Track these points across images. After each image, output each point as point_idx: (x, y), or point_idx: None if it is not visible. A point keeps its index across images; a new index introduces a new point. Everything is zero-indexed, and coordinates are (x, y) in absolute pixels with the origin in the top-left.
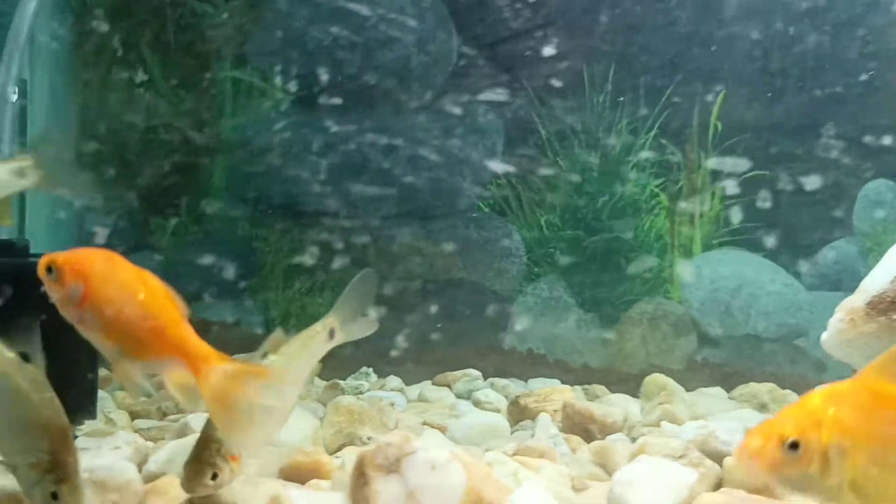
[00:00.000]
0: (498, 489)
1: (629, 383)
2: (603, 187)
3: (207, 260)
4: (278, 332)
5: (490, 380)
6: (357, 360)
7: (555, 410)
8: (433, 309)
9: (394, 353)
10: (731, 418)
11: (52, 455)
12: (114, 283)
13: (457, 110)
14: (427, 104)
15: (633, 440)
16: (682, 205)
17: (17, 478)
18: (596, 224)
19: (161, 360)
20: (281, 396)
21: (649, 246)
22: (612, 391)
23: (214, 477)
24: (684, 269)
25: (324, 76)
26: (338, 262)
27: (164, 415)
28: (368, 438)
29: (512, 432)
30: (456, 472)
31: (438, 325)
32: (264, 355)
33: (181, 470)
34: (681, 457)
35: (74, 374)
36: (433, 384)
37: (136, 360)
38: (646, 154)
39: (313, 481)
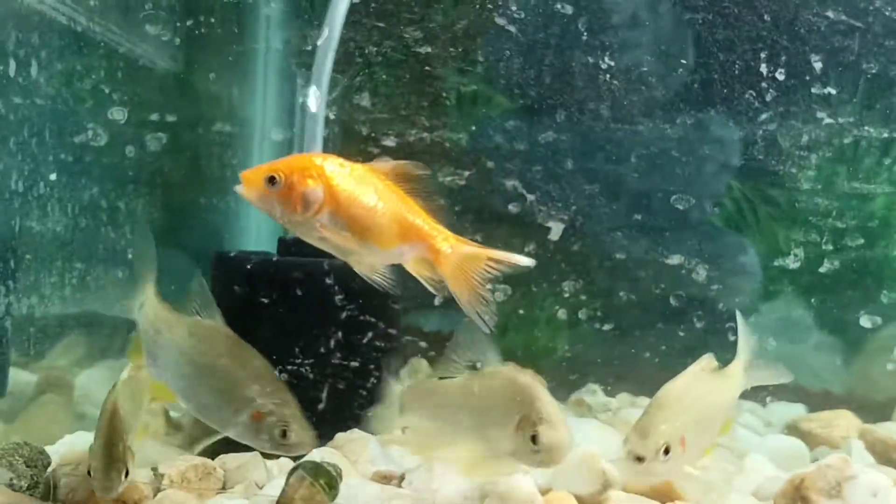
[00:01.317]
0: None
1: (875, 411)
2: (849, 202)
3: None
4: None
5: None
6: (580, 376)
7: (842, 437)
8: (660, 325)
9: (620, 370)
10: None
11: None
12: (352, 177)
13: (692, 120)
14: (662, 113)
15: None
16: None
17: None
18: (841, 241)
19: (401, 249)
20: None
21: None
22: (862, 419)
23: None
24: None
25: (549, 84)
26: (561, 274)
27: None
28: None
29: (812, 459)
30: None
31: (667, 342)
32: None
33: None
34: None
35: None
36: None
37: (379, 251)
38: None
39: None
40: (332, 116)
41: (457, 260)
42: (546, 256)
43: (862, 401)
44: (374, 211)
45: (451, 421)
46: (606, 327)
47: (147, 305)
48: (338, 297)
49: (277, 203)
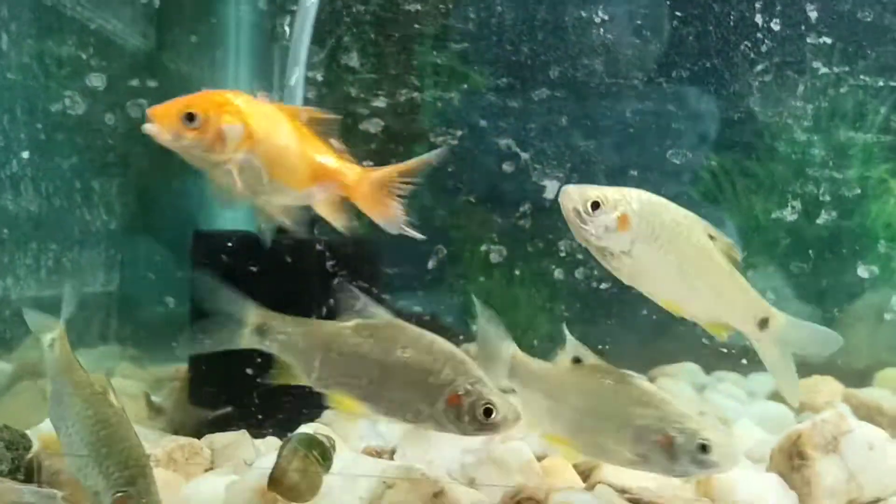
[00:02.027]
0: None
1: (854, 379)
2: (824, 173)
3: (403, 250)
4: None
5: (715, 374)
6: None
7: (826, 402)
8: (640, 302)
9: (600, 345)
10: None
11: None
12: (266, 116)
13: (667, 94)
14: (636, 88)
15: None
16: None
17: None
18: (816, 211)
19: (312, 189)
20: None
21: (876, 235)
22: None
23: None
24: None
25: (529, 59)
26: (540, 254)
27: None
28: None
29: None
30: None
31: (645, 319)
32: None
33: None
34: None
35: None
36: (648, 378)
37: (290, 192)
38: (873, 136)
39: None
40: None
41: (368, 187)
42: (521, 235)
43: (841, 369)
44: (288, 151)
45: (564, 409)
46: (586, 305)
47: (291, 327)
48: (325, 271)
49: (193, 141)
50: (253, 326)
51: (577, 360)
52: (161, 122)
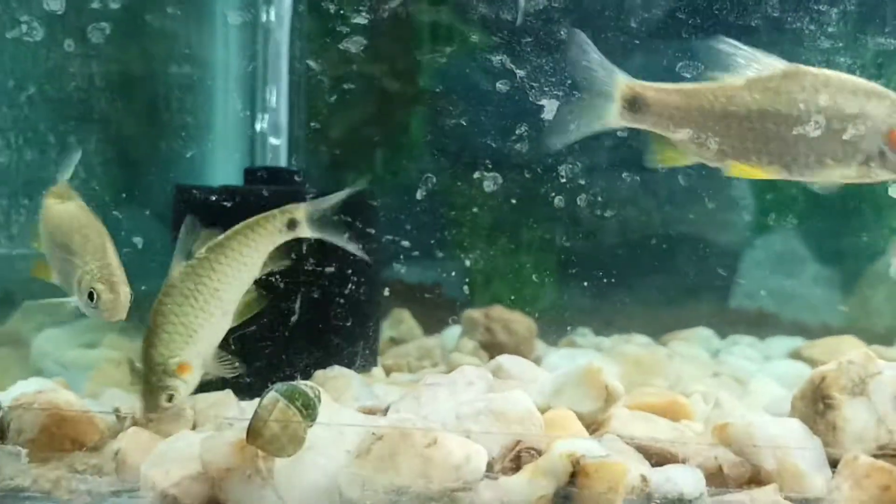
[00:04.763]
0: None
1: (875, 342)
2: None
3: (404, 216)
4: None
5: (730, 338)
6: (569, 322)
7: (850, 362)
8: (649, 265)
9: (610, 313)
10: None
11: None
12: None
13: (675, 50)
14: (645, 44)
15: None
16: None
17: None
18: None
19: None
20: None
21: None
22: None
23: None
24: None
25: (530, 17)
26: (545, 218)
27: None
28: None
29: None
30: None
31: (658, 283)
32: None
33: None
34: None
35: (364, 331)
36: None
37: None
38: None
39: (684, 421)
40: None
41: None
42: (527, 199)
43: (861, 332)
44: None
45: None
46: (594, 272)
47: (670, 96)
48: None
49: None
50: (624, 100)
51: None
52: None
